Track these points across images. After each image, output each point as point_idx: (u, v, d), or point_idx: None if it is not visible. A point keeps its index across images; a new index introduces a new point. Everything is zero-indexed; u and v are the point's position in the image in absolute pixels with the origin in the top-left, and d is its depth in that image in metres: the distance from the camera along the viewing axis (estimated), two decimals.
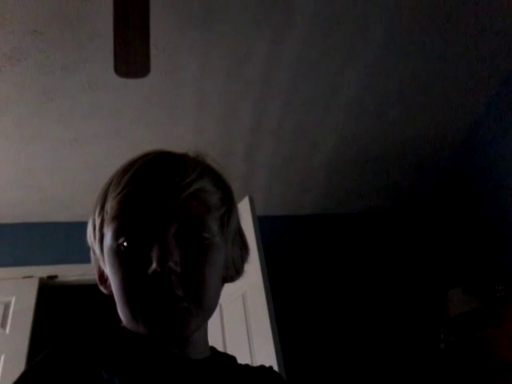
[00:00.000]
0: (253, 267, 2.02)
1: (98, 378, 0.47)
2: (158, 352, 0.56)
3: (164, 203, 0.56)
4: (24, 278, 2.58)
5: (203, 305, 0.56)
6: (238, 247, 0.67)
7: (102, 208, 0.60)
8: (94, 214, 0.62)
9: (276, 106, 2.38)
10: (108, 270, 0.59)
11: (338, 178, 2.96)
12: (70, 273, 2.66)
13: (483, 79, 2.38)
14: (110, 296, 0.62)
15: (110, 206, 0.57)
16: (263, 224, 2.24)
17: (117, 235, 0.56)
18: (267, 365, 0.71)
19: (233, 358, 0.68)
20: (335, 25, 2.00)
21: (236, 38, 2.00)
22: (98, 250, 0.62)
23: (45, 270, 2.65)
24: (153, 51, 1.63)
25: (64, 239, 2.78)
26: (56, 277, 2.66)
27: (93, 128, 2.33)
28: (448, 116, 2.60)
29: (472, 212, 2.64)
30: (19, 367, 2.20)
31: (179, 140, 2.45)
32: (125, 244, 0.56)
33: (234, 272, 0.67)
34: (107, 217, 0.58)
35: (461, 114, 2.59)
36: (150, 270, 0.52)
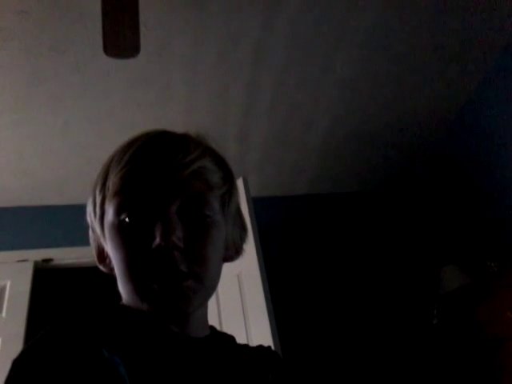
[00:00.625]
0: (248, 247, 2.01)
1: (98, 356, 0.48)
2: (158, 330, 0.57)
3: (167, 180, 0.56)
4: (19, 261, 2.58)
5: (206, 282, 0.57)
6: (237, 227, 0.68)
7: (104, 185, 0.60)
8: (95, 192, 0.62)
9: (268, 87, 2.36)
10: (109, 247, 0.59)
11: (331, 158, 2.95)
12: (65, 256, 2.66)
13: (477, 57, 2.37)
14: (110, 274, 0.63)
15: (112, 182, 0.57)
16: (257, 205, 2.24)
17: (119, 211, 0.56)
18: (263, 343, 0.72)
19: (232, 338, 0.69)
20: (328, 2, 1.98)
21: (228, 17, 1.97)
22: (98, 228, 0.62)
23: (39, 254, 2.65)
24: (143, 31, 1.60)
25: (58, 222, 2.78)
26: (51, 260, 2.66)
27: (83, 110, 2.31)
28: (442, 94, 2.59)
29: (465, 189, 2.66)
30: (16, 351, 2.20)
31: (171, 121, 2.43)
32: (127, 219, 0.56)
33: (233, 251, 0.68)
34: (109, 193, 0.58)
35: (454, 92, 2.58)
36: (154, 245, 0.53)
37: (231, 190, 0.65)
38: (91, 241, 0.66)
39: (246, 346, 0.70)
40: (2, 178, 2.63)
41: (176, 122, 2.44)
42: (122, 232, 0.56)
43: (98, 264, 0.65)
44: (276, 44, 2.13)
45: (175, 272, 0.53)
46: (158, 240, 0.52)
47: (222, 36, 2.06)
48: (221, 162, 0.65)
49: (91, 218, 0.64)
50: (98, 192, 0.61)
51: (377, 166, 3.10)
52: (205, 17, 1.96)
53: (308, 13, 2.01)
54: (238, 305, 2.08)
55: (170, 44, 2.05)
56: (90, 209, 0.64)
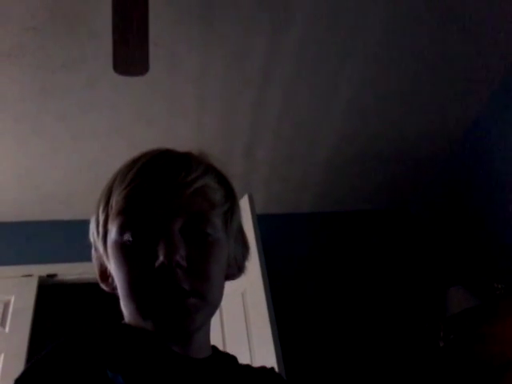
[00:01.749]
0: (252, 265, 2.02)
1: (102, 376, 0.47)
2: (159, 350, 0.56)
3: (169, 198, 0.56)
4: (23, 276, 2.58)
5: (208, 300, 0.57)
6: (239, 245, 0.68)
7: (107, 204, 0.60)
8: (98, 211, 0.62)
9: (275, 104, 2.38)
10: (112, 266, 0.59)
11: (337, 176, 2.96)
12: (69, 271, 2.66)
13: (483, 76, 2.38)
14: (112, 294, 0.63)
15: (116, 201, 0.58)
16: (262, 222, 2.24)
17: (122, 230, 0.57)
18: (267, 363, 0.71)
19: (234, 358, 0.68)
20: (335, 21, 2.00)
21: (236, 34, 2.00)
22: (101, 247, 0.62)
23: (44, 269, 2.65)
24: (152, 48, 1.62)
25: (63, 237, 2.78)
26: (55, 275, 2.66)
27: (92, 125, 2.33)
28: (448, 114, 2.59)
29: (471, 210, 2.65)
30: (19, 366, 2.20)
31: (179, 137, 2.44)
32: (130, 239, 0.56)
33: (236, 269, 0.67)
34: (112, 212, 0.58)
35: (461, 111, 2.58)
36: (157, 264, 0.53)
37: (233, 207, 0.65)
38: (93, 259, 0.66)
39: (248, 366, 0.69)
40: (8, 192, 2.65)
41: (184, 137, 2.45)
42: (125, 251, 0.56)
43: (100, 283, 0.65)
44: (283, 62, 2.15)
45: (178, 290, 0.53)
46: (161, 259, 0.53)
47: (230, 54, 2.08)
48: (223, 180, 0.65)
49: (94, 236, 0.64)
50: (101, 211, 0.61)
51: (382, 186, 3.10)
52: (213, 35, 1.98)
53: (315, 31, 2.03)
54: (242, 323, 2.06)
55: (179, 61, 2.08)
56: (93, 227, 0.64)
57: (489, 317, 2.02)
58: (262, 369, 0.70)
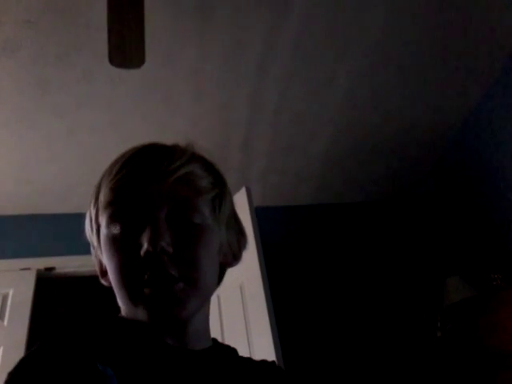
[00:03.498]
0: (250, 258, 2.02)
1: (91, 369, 0.47)
2: (153, 342, 0.57)
3: (154, 187, 0.57)
4: (21, 269, 2.58)
5: (198, 285, 0.57)
6: (233, 232, 0.68)
7: (97, 199, 0.61)
8: (90, 206, 0.63)
9: (272, 98, 2.37)
10: (104, 258, 0.60)
11: (335, 168, 2.96)
12: (67, 264, 2.66)
13: (481, 67, 2.37)
14: (111, 289, 0.63)
15: (103, 194, 0.59)
16: (260, 214, 2.24)
17: (110, 222, 0.58)
18: (265, 355, 0.72)
19: (234, 351, 0.69)
20: (332, 15, 1.99)
21: (232, 27, 1.99)
22: (95, 242, 0.63)
23: (42, 262, 2.65)
24: (148, 41, 1.61)
25: (61, 231, 2.78)
26: (53, 268, 2.66)
27: (88, 119, 2.32)
28: (445, 106, 2.59)
29: (469, 200, 2.65)
30: (18, 359, 2.20)
31: (175, 130, 2.44)
32: (119, 229, 0.57)
33: (231, 257, 0.68)
34: (101, 206, 0.59)
35: (458, 102, 2.58)
36: (143, 251, 0.53)
37: (222, 194, 0.65)
38: (93, 257, 0.67)
39: (248, 359, 0.69)
40: (5, 186, 2.64)
41: (180, 131, 2.45)
42: (114, 243, 0.57)
43: (100, 279, 0.66)
44: (280, 55, 2.15)
45: (165, 276, 0.54)
46: (145, 246, 0.53)
47: (227, 47, 2.07)
48: (210, 168, 0.66)
49: (89, 233, 0.65)
50: (92, 206, 0.62)
51: (380, 177, 3.10)
52: (210, 28, 1.97)
53: (311, 25, 2.02)
54: (240, 315, 2.07)
55: (175, 54, 2.07)
56: (87, 223, 0.65)
57: (486, 307, 2.03)
58: (263, 362, 0.70)
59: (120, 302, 0.59)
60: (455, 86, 2.47)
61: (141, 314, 0.55)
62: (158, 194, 0.57)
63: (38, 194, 2.74)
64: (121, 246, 0.56)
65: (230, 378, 0.61)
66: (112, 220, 0.57)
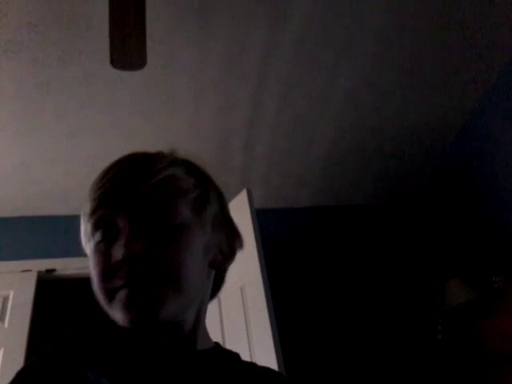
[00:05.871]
0: (251, 260, 2.02)
1: (83, 379, 0.48)
2: (150, 346, 0.57)
3: (129, 194, 0.58)
4: (22, 271, 2.58)
5: (179, 286, 0.57)
6: (222, 233, 0.67)
7: (84, 212, 0.62)
8: (81, 219, 0.64)
9: (273, 98, 2.37)
10: (90, 269, 0.61)
11: (336, 171, 2.96)
12: (68, 266, 2.66)
13: (481, 70, 2.38)
14: None
15: (86, 206, 0.60)
16: (261, 217, 2.24)
17: (93, 233, 0.59)
18: (266, 358, 0.72)
19: (236, 355, 0.68)
20: (333, 16, 1.99)
21: (233, 29, 1.99)
22: (88, 254, 0.64)
23: (43, 264, 2.65)
24: (149, 43, 1.62)
25: (62, 233, 2.78)
26: (54, 270, 2.66)
27: (89, 120, 2.32)
28: (446, 107, 2.59)
29: (469, 203, 2.65)
30: (18, 361, 2.21)
31: (176, 132, 2.44)
32: (99, 240, 0.58)
33: (220, 258, 0.66)
34: (85, 218, 0.61)
35: (459, 105, 2.58)
36: (114, 259, 0.54)
37: (206, 195, 0.65)
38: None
39: (251, 364, 0.69)
40: (6, 188, 2.64)
41: (181, 132, 2.45)
42: (96, 252, 0.58)
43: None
44: (281, 56, 2.15)
45: (139, 279, 0.54)
46: (116, 253, 0.54)
47: (228, 48, 2.07)
48: (193, 170, 0.66)
49: (85, 248, 0.65)
50: (82, 220, 0.63)
51: (381, 179, 3.10)
52: (210, 29, 1.98)
53: (312, 26, 2.03)
54: (241, 317, 2.07)
55: (176, 56, 2.07)
56: (83, 239, 0.65)
57: (487, 310, 2.02)
58: (266, 369, 0.69)
59: (104, 309, 0.59)
60: (455, 88, 2.47)
61: (119, 319, 0.55)
62: (134, 200, 0.57)
63: (39, 195, 2.74)
64: (100, 255, 0.57)
65: (227, 379, 0.61)
66: (94, 230, 0.59)
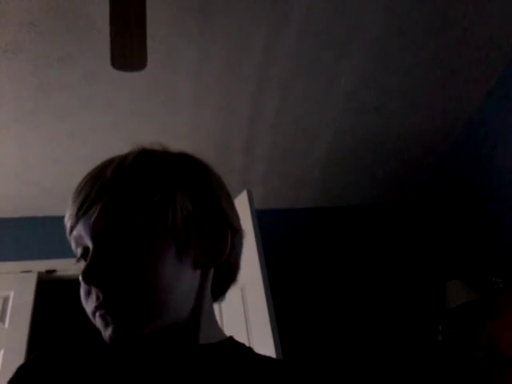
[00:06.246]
0: (251, 260, 2.02)
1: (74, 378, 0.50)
2: (143, 346, 0.58)
3: (90, 216, 0.57)
4: (23, 272, 2.58)
5: (150, 304, 0.56)
6: (199, 232, 0.62)
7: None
8: None
9: (274, 99, 2.37)
10: None
11: (336, 171, 2.95)
12: (68, 267, 2.66)
13: (482, 71, 2.37)
14: None
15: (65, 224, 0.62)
16: (261, 217, 2.24)
17: (75, 251, 0.62)
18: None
19: (249, 349, 0.68)
20: (333, 17, 1.99)
21: (233, 30, 1.99)
22: None
23: (43, 265, 2.65)
24: (150, 43, 1.61)
25: (62, 233, 2.75)
26: (54, 271, 2.66)
27: (90, 121, 2.32)
28: (446, 108, 2.59)
29: (470, 204, 2.65)
30: (18, 361, 2.20)
31: (177, 132, 2.44)
32: (79, 258, 0.62)
33: (202, 257, 0.63)
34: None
35: (459, 106, 2.58)
36: (83, 290, 0.57)
37: (169, 197, 0.59)
38: None
39: (266, 357, 0.67)
40: (7, 188, 2.64)
41: (181, 133, 2.45)
42: (80, 270, 0.58)
43: None
44: (281, 57, 2.15)
45: (109, 304, 0.54)
46: (82, 282, 0.56)
47: (228, 49, 2.07)
48: (153, 172, 0.61)
49: None
50: None
51: (381, 180, 3.10)
52: (211, 30, 1.98)
53: (312, 26, 2.02)
54: (241, 317, 2.07)
55: (177, 56, 2.07)
56: None
57: (487, 311, 2.02)
58: (281, 361, 0.69)
59: None
60: (456, 88, 2.47)
61: (103, 337, 0.56)
62: (94, 222, 0.56)
63: (40, 196, 2.74)
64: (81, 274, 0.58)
65: (232, 370, 0.60)
66: (75, 249, 0.62)
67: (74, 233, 0.59)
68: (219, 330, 0.68)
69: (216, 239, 0.64)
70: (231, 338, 0.67)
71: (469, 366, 2.11)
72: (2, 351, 2.30)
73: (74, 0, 1.78)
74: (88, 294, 0.56)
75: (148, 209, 0.57)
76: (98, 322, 0.55)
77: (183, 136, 2.47)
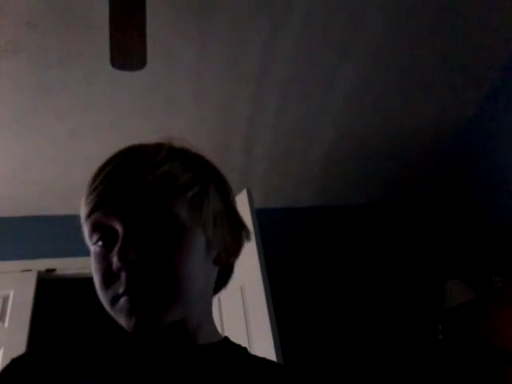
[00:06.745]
0: (251, 259, 2.02)
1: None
2: (147, 345, 0.58)
3: (124, 197, 0.56)
4: (23, 271, 2.58)
5: (176, 290, 0.56)
6: (225, 228, 0.65)
7: (81, 213, 0.61)
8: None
9: (274, 99, 2.37)
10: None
11: (335, 171, 2.96)
12: (68, 266, 2.66)
13: (481, 70, 2.37)
14: None
15: (82, 209, 0.59)
16: (261, 216, 2.24)
17: (91, 236, 0.58)
18: (266, 357, 0.71)
19: (244, 349, 0.68)
20: (333, 16, 1.99)
21: (233, 29, 1.99)
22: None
23: (43, 264, 2.65)
24: (149, 43, 1.61)
25: (62, 232, 2.77)
26: (54, 270, 2.66)
27: (89, 120, 2.32)
28: (446, 108, 2.59)
29: (469, 203, 2.65)
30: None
31: (177, 132, 2.42)
32: (99, 243, 0.57)
33: (224, 254, 0.65)
34: (82, 220, 0.60)
35: (459, 106, 2.58)
36: (114, 267, 0.53)
37: (204, 191, 0.62)
38: None
39: (261, 358, 0.68)
40: (6, 188, 2.64)
41: (181, 133, 2.43)
42: (95, 255, 0.57)
43: None
44: (281, 57, 2.15)
45: (138, 288, 0.53)
46: (114, 261, 0.53)
47: (228, 48, 2.07)
48: (190, 164, 0.63)
49: (88, 244, 0.64)
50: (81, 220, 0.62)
51: (380, 180, 3.10)
52: (211, 30, 1.98)
53: (313, 27, 2.03)
54: (241, 316, 2.07)
55: (176, 56, 2.07)
56: (85, 238, 0.65)
57: (487, 310, 2.02)
58: (275, 363, 0.68)
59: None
60: (455, 88, 2.47)
61: (124, 326, 0.55)
62: (129, 203, 0.56)
63: (40, 195, 2.74)
64: (100, 259, 0.56)
65: (231, 372, 0.60)
66: (91, 233, 0.58)
67: (97, 214, 0.56)
68: (217, 330, 0.68)
69: (235, 238, 0.66)
70: (227, 338, 0.68)
71: (469, 364, 2.11)
72: (2, 350, 2.31)
73: (74, 0, 1.78)
74: (109, 279, 0.54)
75: (185, 200, 0.58)
76: (120, 308, 0.54)
77: (183, 135, 2.46)
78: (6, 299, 2.47)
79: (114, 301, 0.54)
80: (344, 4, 1.95)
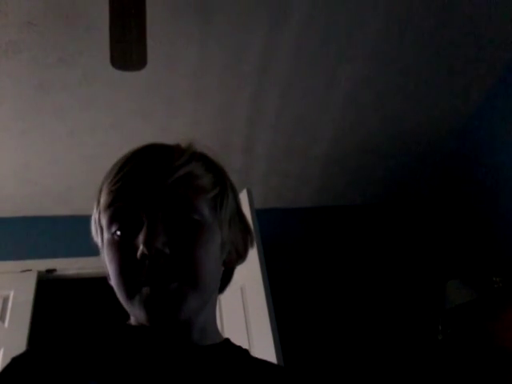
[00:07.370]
0: (251, 259, 2.02)
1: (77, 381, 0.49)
2: (151, 344, 0.57)
3: (151, 188, 0.57)
4: (23, 271, 2.58)
5: (197, 284, 0.56)
6: (237, 230, 0.68)
7: (98, 202, 0.61)
8: (94, 209, 0.63)
9: (274, 99, 2.37)
10: (106, 261, 0.60)
11: (336, 171, 2.96)
12: (68, 266, 2.66)
13: (481, 71, 2.38)
14: (113, 291, 0.63)
15: (103, 197, 0.59)
16: (261, 217, 2.24)
17: (109, 224, 0.58)
18: (266, 358, 0.71)
19: (245, 351, 0.68)
20: (333, 17, 1.99)
21: (233, 29, 1.99)
22: (100, 244, 0.63)
23: (43, 264, 2.64)
24: (149, 43, 1.61)
25: (62, 233, 2.78)
26: (54, 270, 2.66)
27: (89, 120, 2.32)
28: (446, 108, 2.59)
29: (469, 203, 2.65)
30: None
31: (176, 132, 2.44)
32: (118, 232, 0.57)
33: (235, 255, 0.67)
34: (101, 208, 0.59)
35: (459, 106, 2.58)
36: (139, 253, 0.53)
37: (224, 193, 0.65)
38: (101, 259, 0.67)
39: (263, 361, 0.68)
40: (7, 188, 2.64)
41: (181, 133, 2.45)
42: (113, 244, 0.57)
43: (108, 280, 0.66)
44: (281, 56, 2.15)
45: (162, 277, 0.53)
46: (141, 248, 0.53)
47: (228, 48, 2.07)
48: (211, 167, 0.65)
49: (95, 236, 0.65)
50: (95, 210, 0.62)
51: (381, 179, 3.10)
52: (211, 30, 1.98)
53: (313, 26, 2.03)
54: (241, 317, 2.07)
55: (177, 56, 2.07)
56: (92, 227, 0.65)
57: (487, 310, 2.02)
58: (276, 365, 0.69)
59: (123, 304, 0.59)
60: (456, 88, 2.47)
61: (140, 316, 0.55)
62: (156, 195, 0.57)
63: (40, 195, 2.74)
64: (119, 248, 0.56)
65: (233, 373, 0.60)
66: (111, 222, 0.58)
67: (121, 203, 0.57)
68: (218, 331, 0.69)
69: (244, 241, 0.69)
70: (228, 339, 0.68)
71: (469, 364, 2.11)
72: (2, 350, 2.30)
73: (74, 0, 1.78)
74: (129, 269, 0.55)
75: (207, 199, 0.61)
76: (138, 300, 0.54)
77: (183, 135, 2.45)
78: (6, 299, 2.47)
79: (132, 291, 0.55)
80: (344, 4, 1.95)
